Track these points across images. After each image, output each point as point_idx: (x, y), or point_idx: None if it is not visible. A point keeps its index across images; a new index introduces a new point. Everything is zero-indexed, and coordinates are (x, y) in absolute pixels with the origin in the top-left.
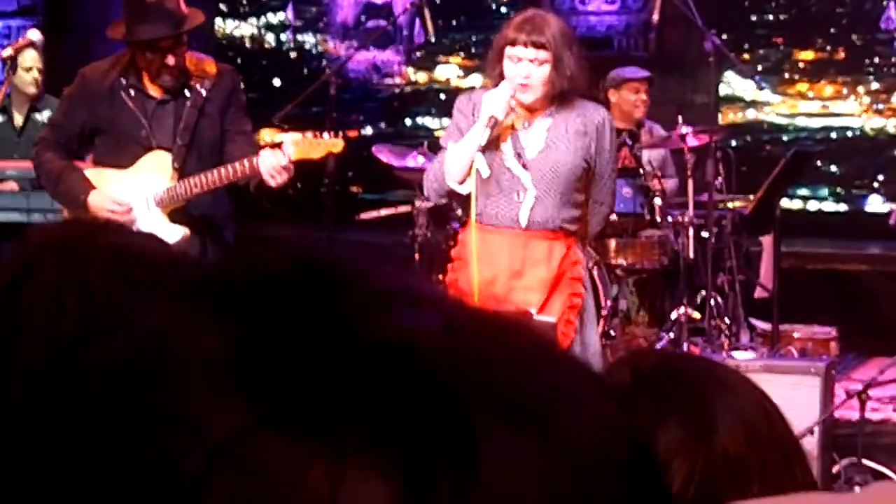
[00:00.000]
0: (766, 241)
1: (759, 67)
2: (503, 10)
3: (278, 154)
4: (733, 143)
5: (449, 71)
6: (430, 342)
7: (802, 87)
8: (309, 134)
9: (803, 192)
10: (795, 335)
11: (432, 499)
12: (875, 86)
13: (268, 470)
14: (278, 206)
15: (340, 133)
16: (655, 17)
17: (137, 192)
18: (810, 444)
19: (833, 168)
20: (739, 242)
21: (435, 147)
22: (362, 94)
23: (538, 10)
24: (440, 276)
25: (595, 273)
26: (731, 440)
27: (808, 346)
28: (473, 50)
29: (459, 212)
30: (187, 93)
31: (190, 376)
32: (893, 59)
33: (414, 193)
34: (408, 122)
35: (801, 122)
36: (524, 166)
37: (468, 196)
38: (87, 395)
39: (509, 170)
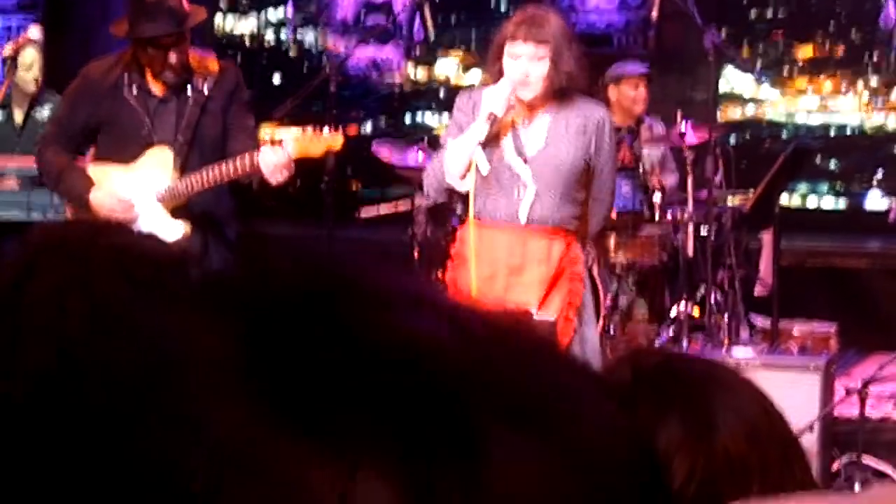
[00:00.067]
0: (766, 237)
1: (759, 64)
2: (503, 6)
3: (278, 151)
4: (732, 139)
5: (448, 67)
6: (433, 344)
7: (802, 83)
8: (309, 130)
9: (803, 188)
10: (795, 331)
11: (434, 499)
12: (874, 82)
13: (272, 470)
14: (279, 203)
15: (340, 129)
16: (655, 14)
17: (139, 189)
18: (810, 441)
19: (832, 164)
20: (739, 239)
21: (435, 144)
22: (362, 91)
23: (538, 8)
24: (440, 274)
25: (595, 270)
26: (731, 439)
27: (808, 342)
28: (473, 46)
29: (459, 209)
30: (189, 90)
31: (195, 378)
32: (892, 56)
33: (414, 191)
34: (407, 118)
35: (801, 118)
36: (524, 163)
37: (468, 193)
38: (93, 396)
39: (509, 166)
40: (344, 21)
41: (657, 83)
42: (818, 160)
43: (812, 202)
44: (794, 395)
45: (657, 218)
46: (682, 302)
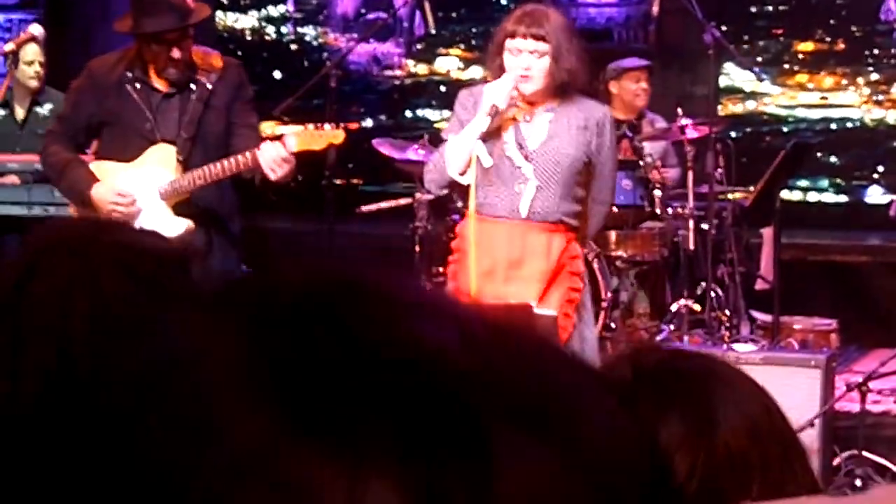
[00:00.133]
0: (767, 232)
1: (759, 59)
2: (503, 1)
3: (279, 146)
4: (733, 134)
5: (449, 63)
6: (440, 348)
7: (802, 78)
8: (311, 126)
9: (803, 183)
10: (796, 327)
11: (442, 501)
12: (875, 77)
13: (283, 474)
14: (280, 198)
15: (342, 125)
16: (655, 9)
17: (142, 185)
18: (811, 437)
19: (833, 159)
20: (740, 234)
21: (435, 140)
22: (363, 87)
23: (538, 4)
24: (440, 269)
25: (595, 265)
26: (732, 435)
27: (809, 337)
28: (473, 42)
29: (460, 204)
30: (193, 86)
31: (205, 381)
32: (893, 51)
33: (414, 186)
34: (408, 114)
35: (801, 113)
36: (526, 157)
37: (469, 187)
38: (98, 396)
39: (511, 160)
40: (344, 16)
41: (657, 78)
42: (819, 155)
43: (813, 197)
44: (795, 390)
45: (658, 213)
46: (683, 297)
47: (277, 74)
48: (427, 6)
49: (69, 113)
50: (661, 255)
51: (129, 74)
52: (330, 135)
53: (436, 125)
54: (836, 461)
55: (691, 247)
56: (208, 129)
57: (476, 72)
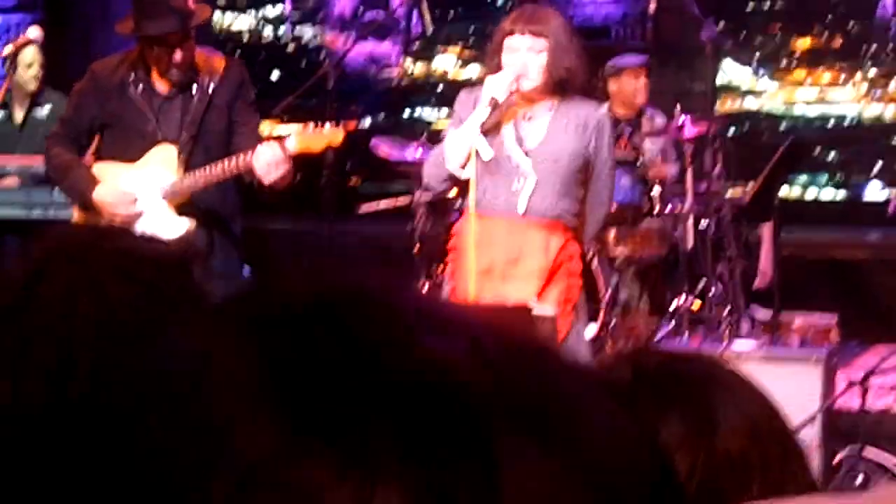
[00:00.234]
0: (766, 229)
1: (757, 55)
2: (500, 1)
3: (276, 147)
4: (731, 131)
5: (447, 62)
6: (453, 360)
7: (800, 74)
8: (311, 126)
9: (802, 179)
10: (796, 324)
11: None
12: (872, 73)
13: (296, 485)
14: (278, 198)
15: (341, 125)
16: (652, 6)
17: (144, 186)
18: (811, 434)
19: (831, 155)
20: (739, 231)
21: (434, 139)
22: (360, 86)
23: (536, 4)
24: (439, 268)
25: (594, 263)
26: (732, 435)
27: (809, 334)
28: (471, 41)
29: (458, 203)
30: (195, 87)
31: (220, 395)
32: (890, 46)
33: (413, 186)
34: (406, 113)
35: (799, 109)
36: (525, 154)
37: (467, 183)
38: (115, 406)
39: (509, 157)
40: (342, 16)
41: (655, 76)
42: (817, 152)
43: (811, 193)
44: (796, 387)
45: (657, 211)
46: (683, 295)
47: (275, 75)
48: (424, 5)
49: (71, 115)
50: (660, 252)
51: (132, 76)
52: (329, 135)
53: (434, 124)
54: (836, 458)
55: (690, 244)
56: (210, 129)
57: (474, 70)
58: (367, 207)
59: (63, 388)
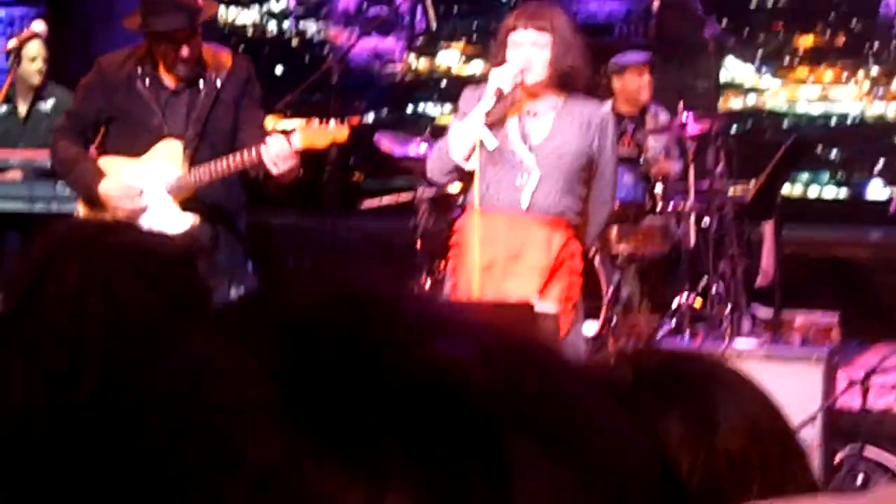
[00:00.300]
0: (768, 227)
1: (759, 53)
2: None
3: (284, 141)
4: (733, 129)
5: (450, 58)
6: (466, 373)
7: (802, 72)
8: (315, 122)
9: (803, 178)
10: (797, 322)
11: None
12: (875, 71)
13: (310, 494)
14: (283, 193)
15: (346, 121)
16: (656, 3)
17: (149, 181)
18: (812, 433)
19: (833, 154)
20: (741, 229)
21: (437, 135)
22: (364, 82)
23: (540, 1)
24: (442, 264)
25: (597, 260)
26: (732, 435)
27: (810, 333)
28: (475, 37)
29: (461, 199)
30: (202, 82)
31: (235, 404)
32: (893, 45)
33: (416, 182)
34: (409, 109)
35: (801, 108)
36: (529, 150)
37: (471, 176)
38: (128, 413)
39: (513, 153)
40: (346, 11)
41: (658, 73)
42: (819, 150)
43: (813, 192)
44: (797, 386)
45: (659, 208)
46: (684, 293)
47: (279, 70)
48: (428, 1)
49: (77, 108)
50: (662, 250)
51: (139, 71)
52: (334, 131)
53: (437, 120)
54: (837, 457)
55: (692, 242)
56: (216, 125)
57: (477, 66)
58: (369, 203)
59: (72, 389)
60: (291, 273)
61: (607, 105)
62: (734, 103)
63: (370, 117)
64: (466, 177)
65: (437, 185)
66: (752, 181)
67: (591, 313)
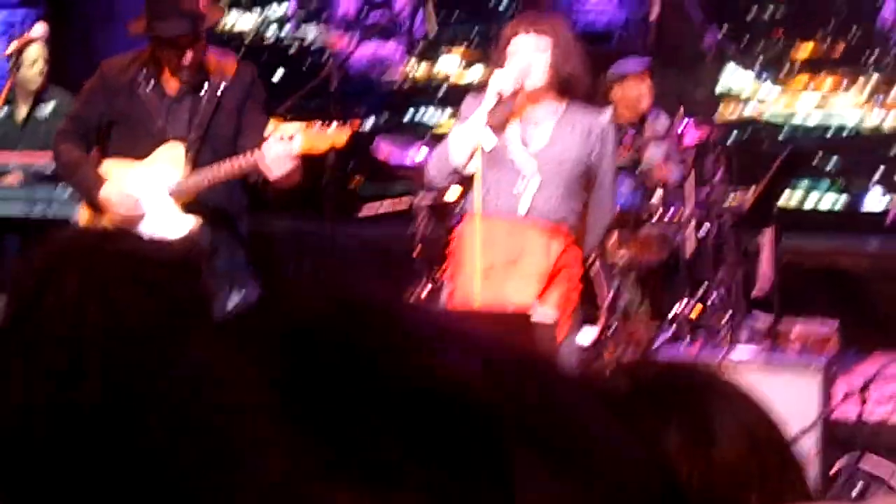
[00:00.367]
0: (766, 236)
1: (758, 62)
2: (503, 3)
3: (283, 143)
4: (732, 137)
5: (450, 64)
6: (466, 381)
7: (801, 81)
8: (317, 124)
9: (802, 186)
10: (795, 332)
11: None
12: (874, 81)
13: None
14: (283, 197)
15: (346, 124)
16: (655, 11)
17: (151, 184)
18: (810, 442)
19: (832, 163)
20: (739, 238)
21: (436, 141)
22: (363, 88)
23: (539, 11)
24: (440, 271)
25: (595, 268)
26: (730, 445)
27: (808, 342)
28: (474, 43)
29: (460, 206)
30: (205, 88)
31: (240, 415)
32: (892, 54)
33: (414, 188)
34: (408, 115)
35: (800, 116)
36: (529, 156)
37: (469, 183)
38: (131, 422)
39: (513, 159)
40: (345, 17)
41: (657, 81)
42: (817, 159)
43: (811, 201)
44: (794, 395)
45: (658, 216)
46: (683, 301)
47: (278, 75)
48: (429, 7)
49: (80, 112)
50: (660, 258)
51: (142, 75)
52: (334, 135)
53: (436, 126)
54: (834, 467)
55: (691, 250)
56: (218, 130)
57: (477, 73)
58: (368, 209)
59: (72, 396)
60: (291, 281)
61: (608, 113)
62: (733, 112)
63: (369, 123)
64: (465, 183)
65: (436, 188)
66: (751, 189)
67: (590, 320)
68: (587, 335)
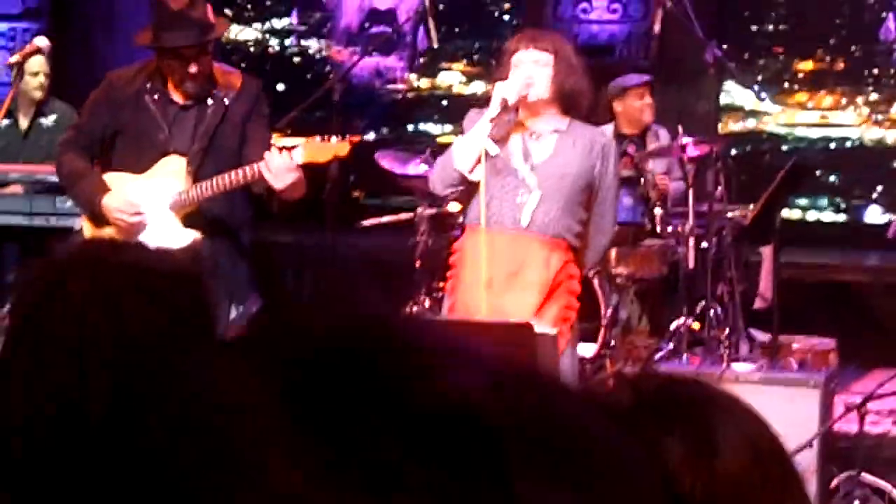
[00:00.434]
0: (766, 251)
1: (759, 77)
2: (506, 17)
3: (285, 155)
4: (733, 152)
5: (451, 77)
6: (478, 401)
7: (802, 97)
8: (317, 137)
9: (802, 202)
10: (795, 346)
11: None
12: (874, 96)
13: None
14: (289, 210)
15: (347, 136)
16: (657, 25)
17: (153, 196)
18: (809, 457)
19: (832, 178)
20: (739, 252)
21: (438, 154)
22: (365, 100)
23: (541, 28)
24: (441, 283)
25: (595, 282)
26: (733, 456)
27: (808, 357)
28: (476, 57)
29: (461, 219)
30: (210, 100)
31: (250, 433)
32: (892, 70)
33: (416, 200)
34: (410, 127)
35: (801, 132)
36: (531, 169)
37: (470, 196)
38: (139, 438)
39: (516, 170)
40: (348, 30)
41: (658, 95)
42: (818, 174)
43: (812, 216)
44: (794, 410)
45: (658, 231)
46: (683, 315)
47: (280, 87)
48: (431, 21)
49: (84, 123)
50: (660, 272)
51: (148, 86)
52: (336, 147)
53: (438, 139)
54: (834, 482)
55: (691, 265)
56: (222, 143)
57: (478, 86)
58: (369, 222)
59: (77, 404)
60: (293, 293)
61: (609, 130)
62: (734, 126)
63: (371, 135)
64: (466, 196)
65: (439, 197)
66: (751, 205)
67: (590, 335)
68: (587, 350)
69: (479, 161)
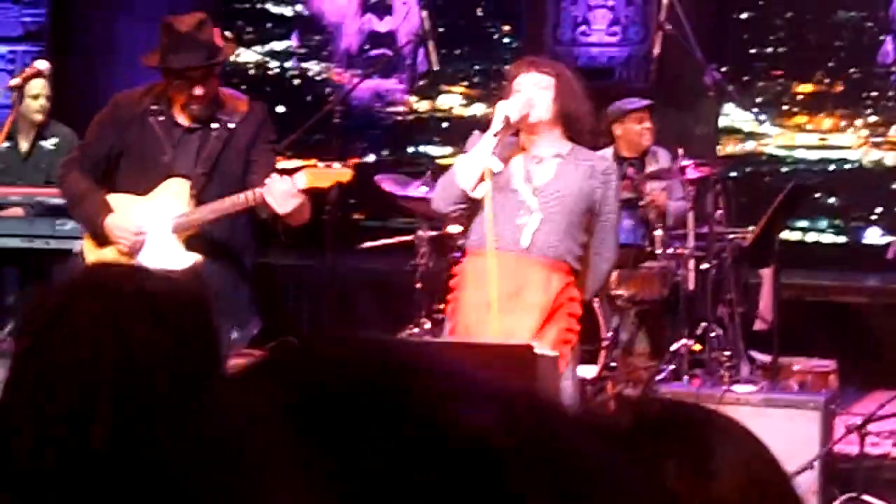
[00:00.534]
0: (766, 273)
1: (758, 100)
2: (506, 40)
3: (287, 181)
4: (733, 174)
5: (451, 100)
6: (490, 436)
7: (801, 119)
8: (320, 164)
9: (802, 223)
10: (795, 368)
11: None
12: (873, 119)
13: None
14: (294, 235)
15: (350, 162)
16: (657, 49)
17: (155, 218)
18: (810, 479)
19: (831, 200)
20: (739, 274)
21: (438, 176)
22: (365, 122)
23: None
24: (441, 306)
25: (596, 304)
26: (731, 477)
27: (808, 378)
28: (476, 79)
29: (461, 241)
30: (215, 124)
31: (264, 465)
32: (891, 93)
33: (416, 222)
34: (410, 150)
35: (800, 154)
36: (532, 191)
37: (473, 214)
38: (151, 466)
39: (517, 193)
40: (348, 52)
41: (658, 117)
42: (817, 196)
43: (811, 238)
44: (794, 432)
45: (659, 252)
46: (683, 337)
47: (280, 109)
48: (431, 43)
49: (89, 143)
50: (661, 294)
51: (154, 107)
52: (338, 173)
53: (437, 161)
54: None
55: (691, 287)
56: (226, 167)
57: (478, 109)
58: (369, 244)
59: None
60: (301, 321)
61: (611, 155)
62: (733, 148)
63: (371, 158)
64: (467, 218)
65: (439, 219)
66: (751, 227)
67: (590, 356)
68: (587, 371)
69: (481, 179)
